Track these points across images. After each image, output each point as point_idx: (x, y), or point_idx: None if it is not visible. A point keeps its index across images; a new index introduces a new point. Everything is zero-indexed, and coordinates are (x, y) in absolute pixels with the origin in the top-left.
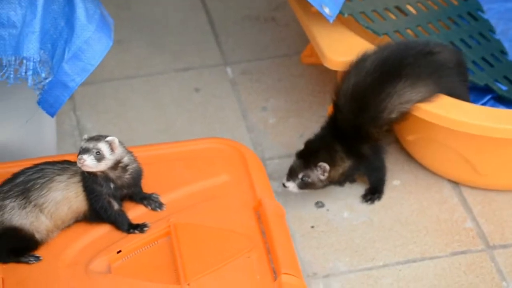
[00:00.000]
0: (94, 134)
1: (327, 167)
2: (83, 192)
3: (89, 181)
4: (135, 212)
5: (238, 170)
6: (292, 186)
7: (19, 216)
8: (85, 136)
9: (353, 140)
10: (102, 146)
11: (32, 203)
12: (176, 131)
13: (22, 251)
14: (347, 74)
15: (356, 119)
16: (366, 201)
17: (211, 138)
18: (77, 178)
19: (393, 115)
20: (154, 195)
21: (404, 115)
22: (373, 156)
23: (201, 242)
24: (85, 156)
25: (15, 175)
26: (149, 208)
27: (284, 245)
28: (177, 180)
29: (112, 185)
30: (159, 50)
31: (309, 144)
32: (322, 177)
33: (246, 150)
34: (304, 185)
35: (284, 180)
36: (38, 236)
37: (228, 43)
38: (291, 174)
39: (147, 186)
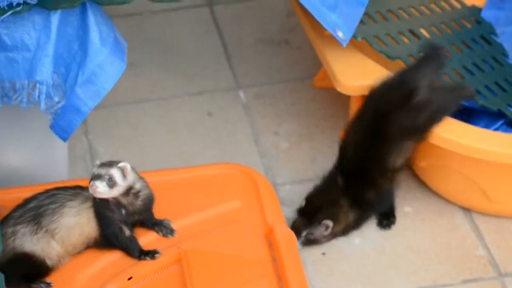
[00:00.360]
0: (106, 158)
1: (331, 223)
2: (95, 218)
3: (100, 207)
4: (146, 239)
5: (249, 196)
6: (298, 243)
7: (31, 242)
8: (98, 162)
9: (358, 188)
10: (114, 173)
11: (44, 229)
12: (188, 156)
13: (33, 277)
14: (350, 126)
15: (361, 169)
16: (383, 227)
17: (223, 164)
18: (88, 204)
19: (398, 163)
20: (165, 221)
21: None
22: (377, 201)
23: (212, 269)
24: (97, 183)
25: (27, 201)
26: (161, 234)
27: (296, 273)
28: (189, 206)
29: (123, 211)
30: (172, 74)
31: (310, 199)
32: (325, 233)
33: (258, 176)
34: (308, 242)
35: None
36: (49, 262)
37: (241, 66)
38: (295, 232)
39: (159, 211)
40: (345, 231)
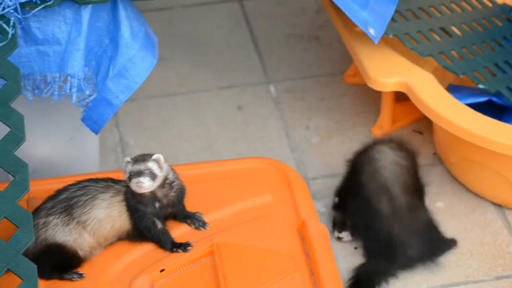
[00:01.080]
0: (136, 150)
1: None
2: (127, 212)
3: (133, 201)
4: (178, 231)
5: (281, 190)
6: (346, 235)
7: (63, 233)
8: (128, 159)
9: None
10: (152, 165)
11: (75, 220)
12: (218, 149)
13: (65, 268)
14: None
15: None
16: None
17: (255, 158)
18: (120, 197)
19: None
20: (197, 214)
21: None
22: None
23: (244, 262)
24: (141, 179)
25: (59, 192)
26: (193, 227)
27: (328, 267)
28: (221, 199)
29: (157, 205)
30: (202, 68)
31: (339, 194)
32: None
33: (289, 170)
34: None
35: (336, 233)
36: (81, 253)
37: (271, 61)
38: (339, 226)
39: (190, 205)
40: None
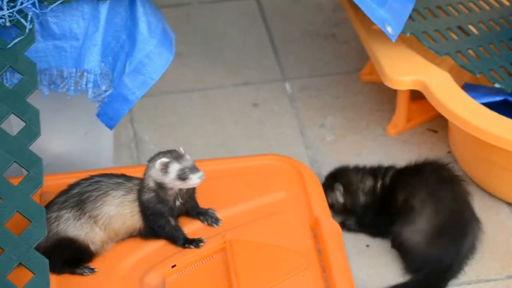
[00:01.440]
0: (151, 146)
1: (341, 187)
2: (139, 212)
3: (154, 201)
4: (191, 227)
5: (295, 187)
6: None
7: (74, 227)
8: (165, 159)
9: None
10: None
11: (87, 215)
12: (233, 146)
13: (77, 262)
14: None
15: None
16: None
17: (269, 155)
18: (131, 196)
19: None
20: (210, 211)
21: None
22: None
23: (256, 259)
24: (201, 173)
25: (71, 186)
26: (206, 223)
27: (340, 265)
28: (234, 196)
29: (179, 202)
30: (218, 64)
31: (342, 168)
32: (340, 200)
33: (303, 168)
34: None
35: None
36: (93, 247)
37: (287, 58)
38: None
39: (203, 201)
40: (359, 209)
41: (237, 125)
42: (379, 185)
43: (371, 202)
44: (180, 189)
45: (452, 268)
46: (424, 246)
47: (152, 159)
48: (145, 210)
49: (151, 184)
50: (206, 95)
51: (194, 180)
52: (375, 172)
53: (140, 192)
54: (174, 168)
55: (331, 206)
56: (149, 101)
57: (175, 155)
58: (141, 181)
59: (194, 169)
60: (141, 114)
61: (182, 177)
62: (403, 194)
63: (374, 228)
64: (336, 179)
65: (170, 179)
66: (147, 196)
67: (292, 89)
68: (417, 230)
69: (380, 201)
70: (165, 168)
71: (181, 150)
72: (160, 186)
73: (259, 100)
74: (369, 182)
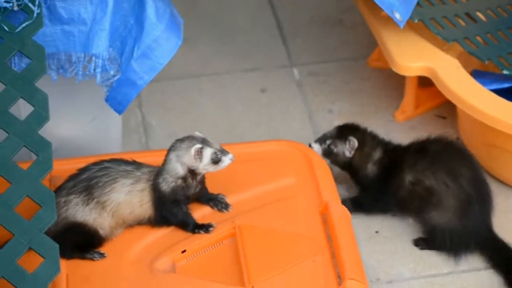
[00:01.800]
0: (159, 132)
1: (356, 143)
2: (149, 202)
3: (180, 188)
4: (201, 213)
5: (304, 172)
6: (317, 148)
7: (83, 212)
8: (198, 146)
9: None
10: None
11: (95, 200)
12: (240, 131)
13: (87, 247)
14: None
15: None
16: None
17: (278, 140)
18: (140, 186)
19: None
20: (220, 196)
21: None
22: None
23: (266, 245)
24: (231, 155)
25: (80, 171)
26: (215, 209)
27: (350, 250)
28: (243, 181)
29: (198, 188)
30: (226, 50)
31: (356, 125)
32: (348, 153)
33: (312, 153)
34: (328, 153)
35: (312, 141)
36: (102, 232)
37: (295, 44)
38: (321, 138)
39: (213, 187)
40: (364, 176)
41: (245, 110)
42: (385, 160)
43: (375, 175)
44: (202, 175)
45: (482, 235)
46: (458, 221)
47: (176, 148)
48: (163, 199)
49: (180, 172)
50: (214, 80)
51: (226, 162)
52: (386, 145)
53: (158, 182)
54: (208, 152)
55: (329, 154)
56: (157, 87)
57: (202, 140)
58: (160, 171)
59: (224, 151)
60: (149, 99)
61: (215, 160)
62: (412, 176)
63: (371, 205)
64: (353, 133)
65: (204, 164)
66: (174, 184)
67: (300, 75)
68: (447, 210)
69: (384, 176)
70: (199, 153)
71: (199, 134)
72: (192, 173)
73: (267, 85)
74: (378, 154)
